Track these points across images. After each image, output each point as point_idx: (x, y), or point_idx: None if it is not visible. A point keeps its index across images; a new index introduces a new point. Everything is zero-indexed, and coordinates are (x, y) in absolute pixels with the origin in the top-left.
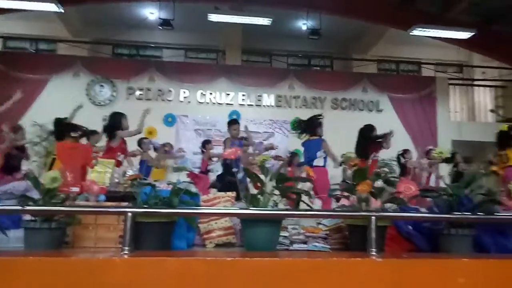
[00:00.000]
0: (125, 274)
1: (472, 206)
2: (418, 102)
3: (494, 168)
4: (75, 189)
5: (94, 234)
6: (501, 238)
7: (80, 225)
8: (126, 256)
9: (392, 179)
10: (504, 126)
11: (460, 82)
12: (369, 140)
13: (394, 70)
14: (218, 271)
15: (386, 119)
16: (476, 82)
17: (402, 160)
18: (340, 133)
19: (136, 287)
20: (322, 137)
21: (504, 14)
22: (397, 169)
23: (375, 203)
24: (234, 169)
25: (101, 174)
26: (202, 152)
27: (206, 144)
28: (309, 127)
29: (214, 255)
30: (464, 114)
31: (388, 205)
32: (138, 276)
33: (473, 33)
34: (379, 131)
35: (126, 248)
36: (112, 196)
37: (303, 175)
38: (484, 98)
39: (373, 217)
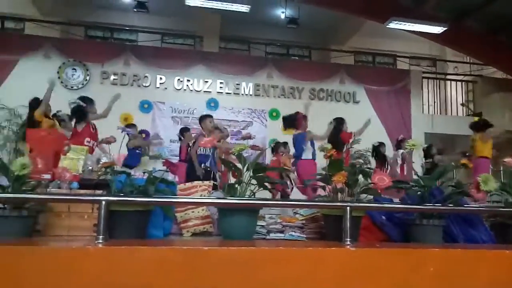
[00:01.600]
0: (99, 263)
1: (443, 198)
2: (393, 95)
3: (464, 161)
4: (47, 176)
5: (67, 223)
6: (469, 228)
7: (52, 213)
8: (100, 245)
9: (367, 170)
10: (475, 118)
11: (433, 76)
12: (339, 132)
13: (370, 62)
14: (195, 260)
15: (362, 110)
16: (448, 77)
17: (378, 151)
18: (318, 124)
19: (110, 276)
20: (307, 130)
21: (474, 10)
22: (372, 160)
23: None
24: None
25: (74, 161)
26: (180, 139)
27: (184, 132)
28: (291, 123)
29: (190, 244)
30: (437, 107)
31: (362, 195)
32: (113, 266)
33: (445, 28)
34: (356, 122)
35: (101, 237)
36: (86, 183)
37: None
38: (455, 92)
39: (348, 207)
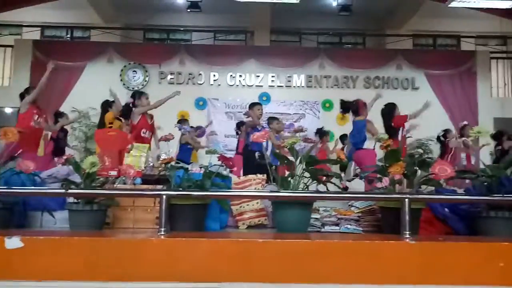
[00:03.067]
0: (162, 253)
1: None
2: (457, 78)
3: None
4: (113, 173)
5: (132, 216)
6: None
7: (119, 207)
8: (162, 237)
9: (427, 160)
10: None
11: (504, 55)
12: (391, 118)
13: (430, 45)
14: (250, 252)
15: (422, 97)
16: None
17: (444, 140)
18: (373, 113)
19: (172, 266)
20: (367, 118)
21: None
22: (436, 149)
23: None
24: (257, 153)
25: (137, 158)
26: (237, 134)
27: (241, 126)
28: (352, 110)
29: (246, 237)
30: (508, 90)
31: (423, 187)
32: (174, 256)
33: None
34: (416, 109)
35: (163, 229)
36: (148, 179)
37: (333, 156)
38: None
39: (406, 200)
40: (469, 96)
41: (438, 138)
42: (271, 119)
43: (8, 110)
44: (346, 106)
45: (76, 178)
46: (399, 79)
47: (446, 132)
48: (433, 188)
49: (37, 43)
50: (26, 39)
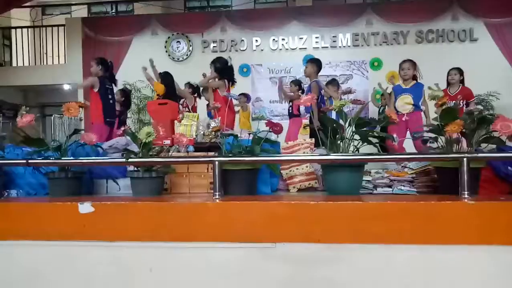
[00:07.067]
0: (218, 216)
1: None
2: None
3: None
4: (167, 142)
5: (187, 181)
6: None
7: (175, 174)
8: (218, 201)
9: (488, 117)
10: None
11: None
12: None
13: None
14: (303, 214)
15: (482, 49)
16: None
17: None
18: (427, 70)
19: (228, 227)
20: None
21: None
22: (498, 105)
23: None
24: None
25: (188, 127)
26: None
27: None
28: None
29: (298, 199)
30: None
31: (483, 145)
32: (230, 218)
33: None
34: (475, 63)
35: (217, 193)
36: (199, 146)
37: None
38: None
39: (465, 159)
40: None
41: None
42: (330, 82)
43: (66, 87)
44: None
45: (134, 147)
46: (455, 31)
47: None
48: (494, 146)
49: (86, 21)
50: (76, 18)
